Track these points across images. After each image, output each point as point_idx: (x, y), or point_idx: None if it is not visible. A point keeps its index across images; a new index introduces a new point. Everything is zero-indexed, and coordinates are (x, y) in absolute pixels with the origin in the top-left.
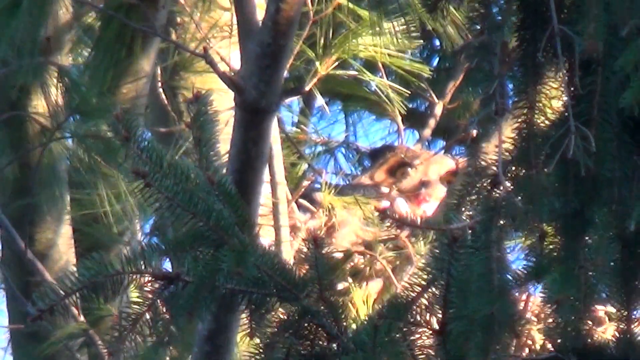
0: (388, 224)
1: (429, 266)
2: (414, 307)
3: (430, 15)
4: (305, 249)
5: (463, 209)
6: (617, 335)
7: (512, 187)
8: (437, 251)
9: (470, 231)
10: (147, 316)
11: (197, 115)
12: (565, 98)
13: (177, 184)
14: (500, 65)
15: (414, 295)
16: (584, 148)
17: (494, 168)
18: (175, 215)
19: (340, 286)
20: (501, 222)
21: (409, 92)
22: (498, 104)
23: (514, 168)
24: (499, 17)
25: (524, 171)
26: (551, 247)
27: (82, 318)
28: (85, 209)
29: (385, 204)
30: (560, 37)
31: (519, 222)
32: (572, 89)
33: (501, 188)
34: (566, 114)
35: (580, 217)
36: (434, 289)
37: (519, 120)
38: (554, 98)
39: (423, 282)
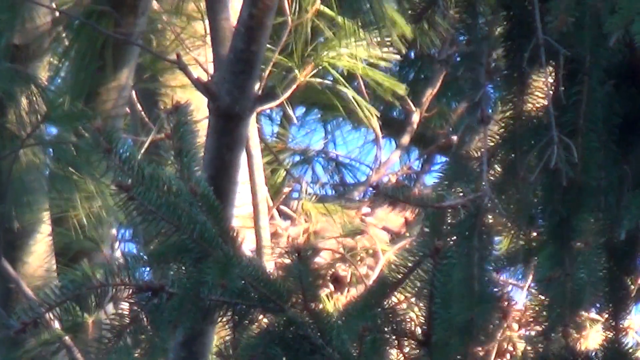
0: (380, 201)
1: (416, 248)
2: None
3: (415, 26)
4: (288, 261)
5: (453, 189)
6: (605, 345)
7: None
8: (427, 230)
9: (463, 211)
10: (131, 328)
11: (177, 126)
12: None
13: (161, 196)
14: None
15: (400, 276)
16: (566, 158)
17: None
18: (159, 228)
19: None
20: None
21: (381, 107)
22: (483, 112)
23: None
24: (486, 28)
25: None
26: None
27: (57, 325)
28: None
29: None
30: (545, 47)
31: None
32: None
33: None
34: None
35: (566, 225)
36: (418, 301)
37: (506, 129)
38: (540, 109)
39: (409, 264)
